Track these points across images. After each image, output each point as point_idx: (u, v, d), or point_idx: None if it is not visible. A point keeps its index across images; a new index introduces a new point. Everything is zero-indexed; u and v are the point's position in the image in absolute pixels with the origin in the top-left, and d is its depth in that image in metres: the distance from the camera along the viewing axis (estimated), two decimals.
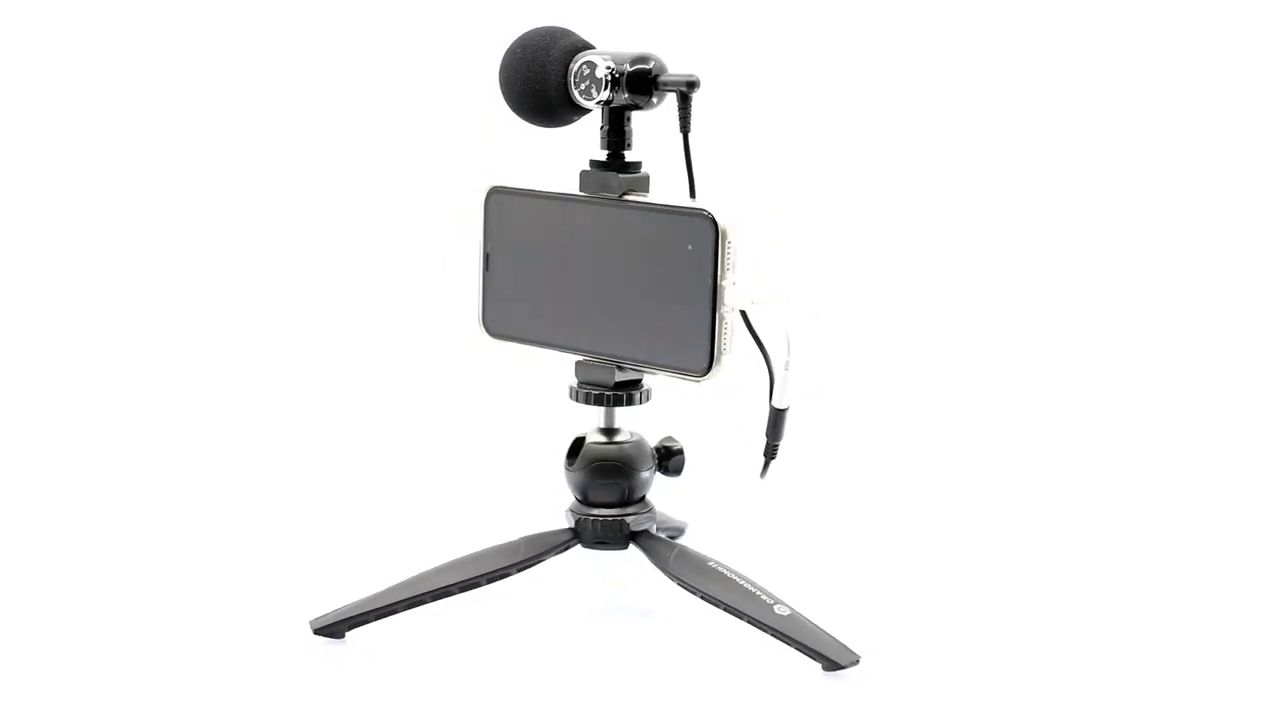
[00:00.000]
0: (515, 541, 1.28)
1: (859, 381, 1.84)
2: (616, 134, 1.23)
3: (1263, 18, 1.94)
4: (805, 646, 1.18)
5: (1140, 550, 1.47)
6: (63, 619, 1.28)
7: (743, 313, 1.19)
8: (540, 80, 1.23)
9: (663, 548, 1.26)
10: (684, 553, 1.26)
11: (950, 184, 1.97)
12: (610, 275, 1.22)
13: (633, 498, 1.28)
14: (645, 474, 1.28)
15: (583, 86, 1.21)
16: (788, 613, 1.20)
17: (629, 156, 1.23)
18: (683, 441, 1.31)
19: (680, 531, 1.49)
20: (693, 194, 1.22)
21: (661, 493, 1.31)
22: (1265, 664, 1.24)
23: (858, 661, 1.18)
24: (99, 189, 1.97)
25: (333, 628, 1.25)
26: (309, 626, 1.25)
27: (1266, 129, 1.95)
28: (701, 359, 1.17)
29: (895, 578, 1.40)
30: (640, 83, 1.21)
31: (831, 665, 1.18)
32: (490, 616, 1.29)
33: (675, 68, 1.22)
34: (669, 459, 1.30)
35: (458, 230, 1.29)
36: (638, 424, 1.30)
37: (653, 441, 1.30)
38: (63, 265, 1.95)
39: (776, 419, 1.20)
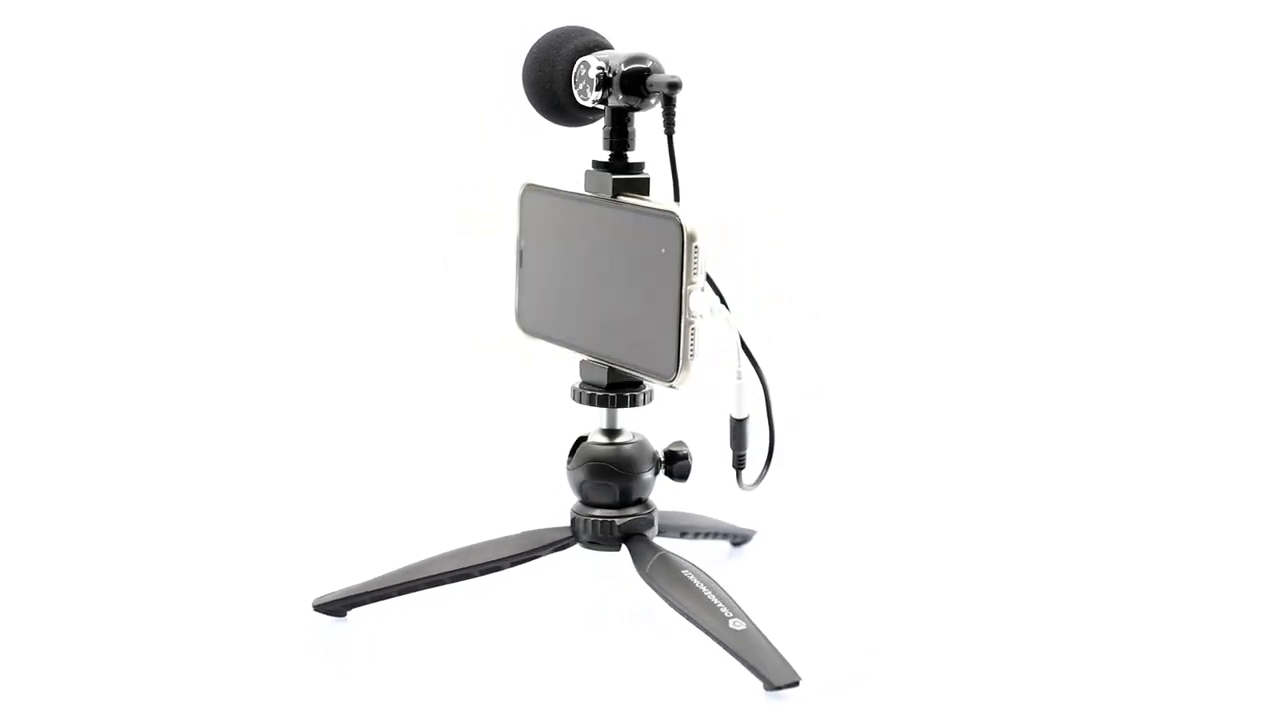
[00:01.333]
0: (513, 536, 1.30)
1: (858, 382, 1.81)
2: (618, 134, 1.23)
3: (1263, 18, 1.85)
4: (747, 663, 1.15)
5: (1131, 567, 1.41)
6: (74, 614, 1.32)
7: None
8: (549, 80, 1.23)
9: (647, 551, 1.25)
10: (664, 558, 1.24)
11: (950, 184, 1.92)
12: (602, 275, 1.22)
13: (629, 499, 1.27)
14: (644, 476, 1.27)
15: (579, 86, 1.22)
16: (742, 628, 1.17)
17: (633, 157, 1.23)
18: (694, 447, 1.29)
19: (746, 538, 1.47)
20: (677, 197, 1.21)
21: (666, 496, 1.30)
22: (1254, 673, 1.19)
23: (797, 683, 1.14)
24: (103, 189, 1.99)
25: (331, 606, 1.30)
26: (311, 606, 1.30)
27: (1266, 129, 1.88)
28: (669, 363, 1.16)
29: (884, 587, 1.37)
30: (633, 83, 1.20)
31: (770, 685, 1.14)
32: (484, 610, 1.31)
33: (677, 69, 1.21)
34: (674, 463, 1.28)
35: (458, 230, 1.31)
36: (650, 427, 1.29)
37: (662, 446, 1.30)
38: (70, 267, 1.97)
39: (737, 429, 1.18)
